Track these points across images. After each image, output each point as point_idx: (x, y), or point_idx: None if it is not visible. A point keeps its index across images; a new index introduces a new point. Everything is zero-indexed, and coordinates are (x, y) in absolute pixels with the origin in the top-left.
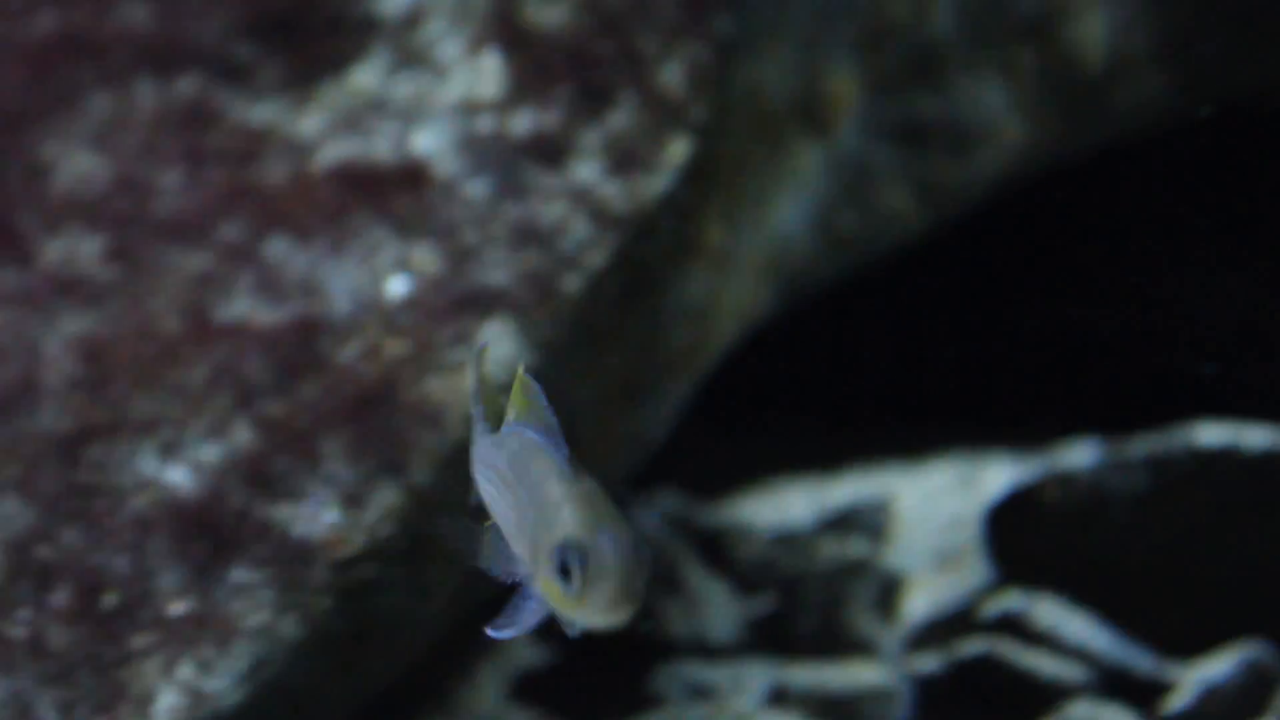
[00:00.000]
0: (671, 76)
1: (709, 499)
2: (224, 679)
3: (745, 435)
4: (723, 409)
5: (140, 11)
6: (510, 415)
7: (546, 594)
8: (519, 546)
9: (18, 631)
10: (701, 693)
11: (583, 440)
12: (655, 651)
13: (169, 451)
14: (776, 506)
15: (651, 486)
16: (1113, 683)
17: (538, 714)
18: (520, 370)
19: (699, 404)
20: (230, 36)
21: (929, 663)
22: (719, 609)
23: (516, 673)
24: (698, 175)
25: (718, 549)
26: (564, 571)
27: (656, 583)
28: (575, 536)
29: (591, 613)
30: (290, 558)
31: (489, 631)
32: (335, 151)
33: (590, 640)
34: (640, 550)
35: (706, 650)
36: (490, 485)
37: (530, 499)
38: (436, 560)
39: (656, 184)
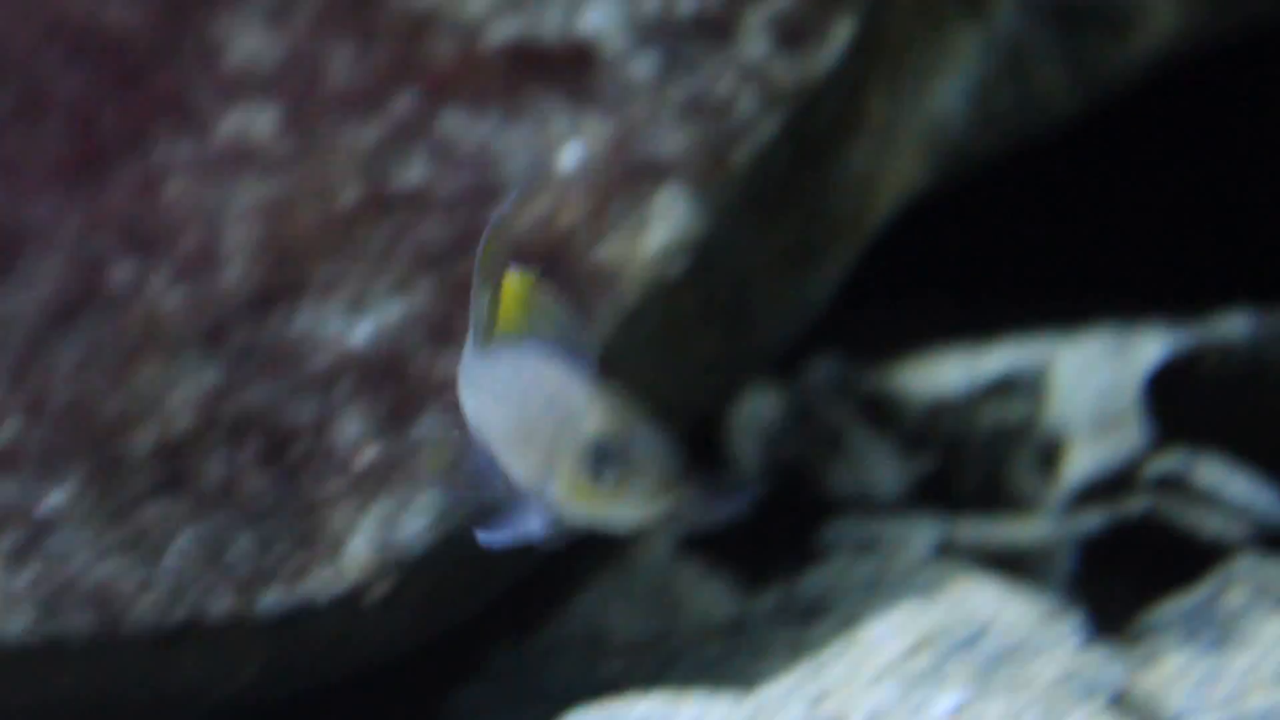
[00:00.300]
0: None
1: (869, 364)
2: (412, 525)
3: (901, 305)
4: (880, 279)
5: None
6: (510, 323)
7: (573, 497)
8: (519, 459)
9: (211, 480)
10: (869, 547)
11: (753, 305)
12: (822, 507)
13: (352, 310)
14: (933, 372)
15: (814, 352)
16: (1274, 540)
17: (706, 567)
18: (520, 277)
19: (858, 273)
20: None
21: (1091, 521)
22: (883, 468)
23: (685, 528)
24: (862, 51)
25: (880, 411)
26: (598, 468)
27: (820, 441)
28: (610, 432)
29: (629, 505)
30: None
31: (480, 537)
32: (503, 30)
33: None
34: (675, 444)
35: (872, 507)
36: (478, 401)
37: (546, 406)
38: None
39: (823, 59)
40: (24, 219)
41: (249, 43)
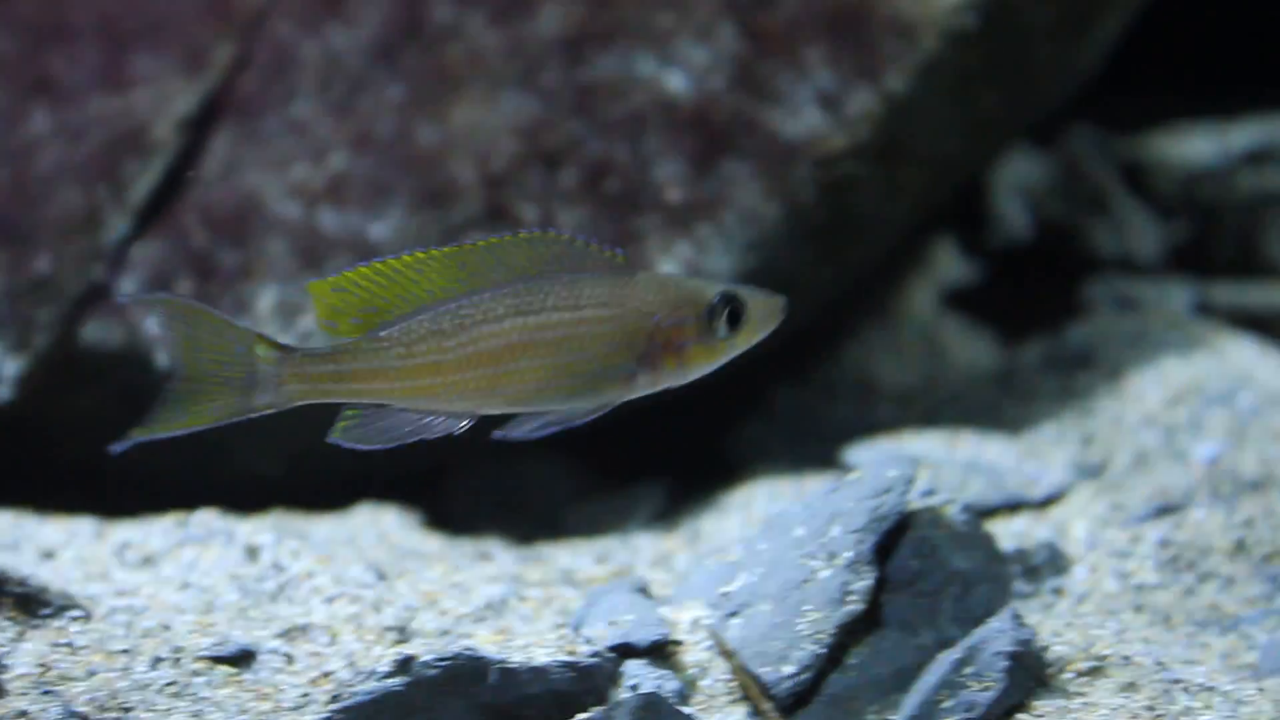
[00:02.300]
0: None
1: (1124, 133)
2: (719, 259)
3: (1151, 79)
4: (1130, 53)
5: None
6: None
7: (697, 359)
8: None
9: (529, 212)
10: (1130, 304)
11: (1031, 65)
12: (1082, 268)
13: (663, 54)
14: (1185, 145)
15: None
16: None
17: (968, 321)
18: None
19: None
20: None
21: None
22: (1142, 231)
23: (947, 286)
24: None
25: (1138, 178)
26: (732, 318)
27: (1083, 204)
28: (726, 290)
29: (752, 336)
30: (777, 154)
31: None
32: None
33: (1017, 258)
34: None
35: (1132, 268)
36: None
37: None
38: (908, 163)
39: None
40: None
41: None
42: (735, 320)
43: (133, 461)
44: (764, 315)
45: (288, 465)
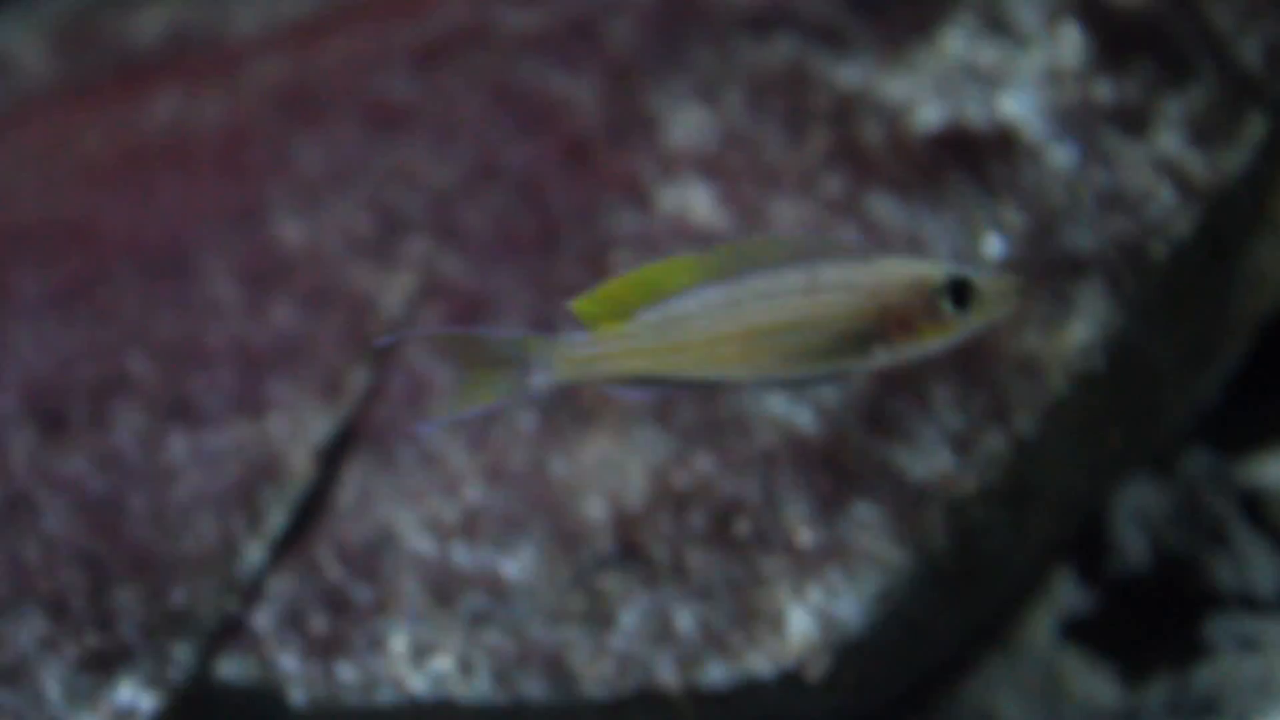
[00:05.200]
0: (1250, 54)
1: (1241, 457)
2: (851, 605)
3: (1267, 395)
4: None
5: None
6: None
7: (928, 334)
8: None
9: (660, 552)
10: (1251, 645)
11: (1158, 400)
12: (1202, 602)
13: (794, 393)
14: None
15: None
16: None
17: (1089, 656)
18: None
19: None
20: (825, 1)
21: None
22: (1262, 565)
23: (1068, 616)
24: (1272, 151)
25: (1256, 506)
26: (959, 300)
27: (1201, 535)
28: (951, 275)
29: (987, 318)
30: (908, 496)
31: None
32: (929, 114)
33: (1137, 588)
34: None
35: (1255, 604)
36: None
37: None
38: (1035, 504)
39: (1237, 158)
40: (484, 286)
41: (688, 119)
42: (962, 302)
43: None
44: (995, 298)
45: None
